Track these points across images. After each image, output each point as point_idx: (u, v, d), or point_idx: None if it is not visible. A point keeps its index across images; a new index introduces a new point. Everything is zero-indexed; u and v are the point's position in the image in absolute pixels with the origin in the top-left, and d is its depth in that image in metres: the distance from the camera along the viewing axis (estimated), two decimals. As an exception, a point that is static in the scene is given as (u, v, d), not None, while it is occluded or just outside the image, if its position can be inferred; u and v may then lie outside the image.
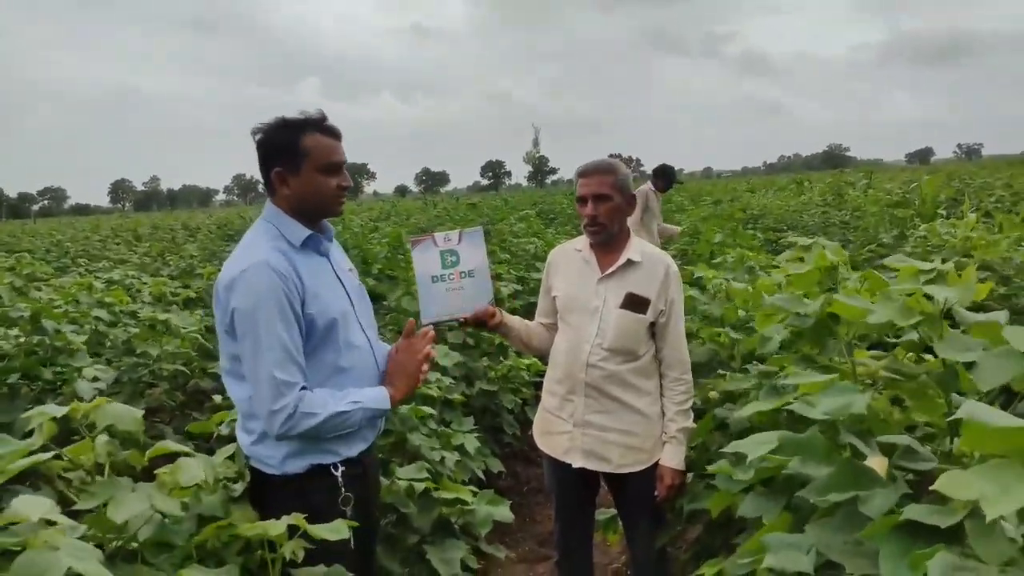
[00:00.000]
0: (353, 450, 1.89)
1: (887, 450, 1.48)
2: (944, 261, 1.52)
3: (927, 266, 1.43)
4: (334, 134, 1.88)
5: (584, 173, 2.39)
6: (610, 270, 2.37)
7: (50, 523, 1.31)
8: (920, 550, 1.02)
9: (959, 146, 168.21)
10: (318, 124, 1.85)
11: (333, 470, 1.84)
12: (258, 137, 1.86)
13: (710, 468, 1.84)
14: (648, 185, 6.75)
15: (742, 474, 1.69)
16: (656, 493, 2.36)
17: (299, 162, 1.82)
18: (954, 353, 1.33)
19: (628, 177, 2.40)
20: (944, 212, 8.09)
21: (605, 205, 2.33)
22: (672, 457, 2.35)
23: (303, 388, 1.75)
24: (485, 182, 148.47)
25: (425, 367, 1.99)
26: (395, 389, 1.92)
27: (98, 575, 1.17)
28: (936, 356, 1.44)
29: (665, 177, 6.89)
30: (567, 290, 2.45)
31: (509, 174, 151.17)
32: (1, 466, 1.43)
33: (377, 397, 1.87)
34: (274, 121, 1.85)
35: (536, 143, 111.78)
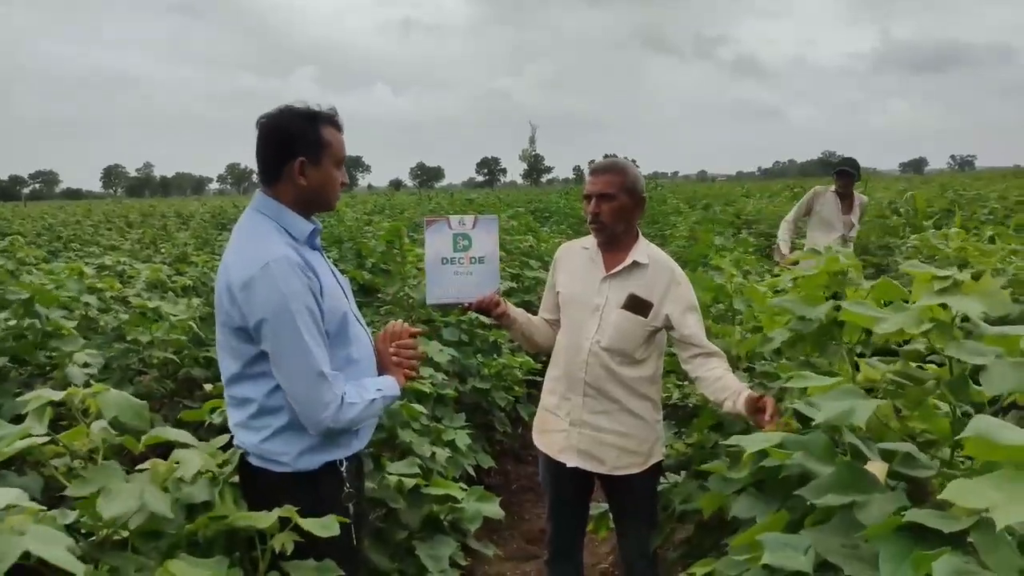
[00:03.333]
0: (362, 444, 1.93)
1: (887, 456, 1.49)
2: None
3: (943, 273, 1.42)
4: (342, 129, 1.89)
5: (593, 171, 2.40)
6: (615, 270, 2.37)
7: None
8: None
9: (952, 157, 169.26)
10: (331, 118, 1.86)
11: (339, 466, 1.84)
12: (273, 124, 1.82)
13: (704, 466, 1.84)
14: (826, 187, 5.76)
15: (735, 473, 1.70)
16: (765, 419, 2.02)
17: (320, 154, 1.82)
18: (966, 356, 1.33)
19: (638, 179, 2.40)
20: (932, 224, 8.12)
21: (609, 204, 2.33)
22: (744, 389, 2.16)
23: None
24: (480, 179, 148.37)
25: (413, 351, 2.01)
26: (396, 376, 1.95)
27: (60, 561, 1.15)
28: (943, 365, 1.44)
29: (839, 174, 5.66)
30: (570, 286, 2.45)
31: (504, 171, 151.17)
32: (-2, 448, 1.42)
33: (390, 384, 1.91)
34: (289, 110, 1.83)
35: (532, 141, 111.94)
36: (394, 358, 1.98)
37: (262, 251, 1.72)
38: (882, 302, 1.57)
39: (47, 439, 1.61)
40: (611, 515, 2.65)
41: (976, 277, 1.38)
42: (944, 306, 1.38)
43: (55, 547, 1.18)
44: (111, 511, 1.47)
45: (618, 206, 2.34)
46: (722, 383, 2.20)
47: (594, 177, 2.37)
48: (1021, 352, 1.31)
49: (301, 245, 1.82)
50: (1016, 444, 1.07)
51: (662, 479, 2.56)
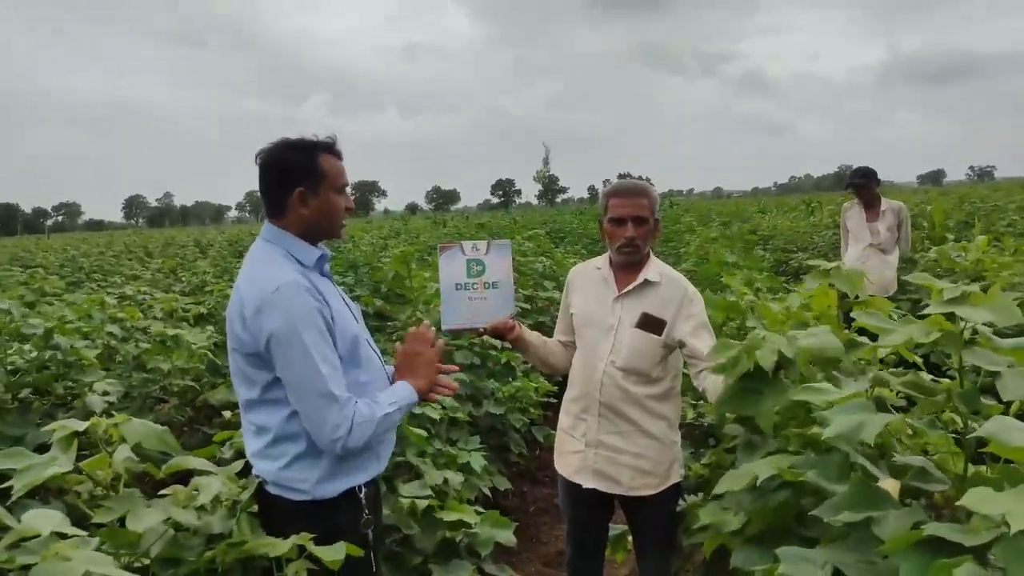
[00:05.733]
0: (382, 466, 1.94)
1: (900, 471, 1.48)
2: (955, 284, 1.52)
3: (951, 287, 1.43)
4: (341, 157, 1.92)
5: (623, 193, 2.37)
6: (627, 289, 2.38)
7: (62, 536, 1.33)
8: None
9: (971, 168, 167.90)
10: (330, 147, 1.89)
11: (358, 492, 1.85)
12: (270, 159, 1.86)
13: (701, 514, 1.82)
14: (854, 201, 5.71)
15: (735, 522, 1.69)
16: None
17: (318, 183, 1.85)
18: (982, 362, 1.34)
19: (658, 199, 2.42)
20: (953, 236, 8.05)
21: (643, 228, 2.35)
22: None
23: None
24: (495, 200, 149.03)
25: (437, 360, 2.00)
26: (414, 380, 1.95)
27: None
28: (954, 378, 1.44)
29: (850, 187, 5.68)
30: (584, 307, 2.46)
31: (519, 192, 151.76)
32: (26, 479, 1.45)
33: (404, 393, 1.91)
34: (285, 143, 1.87)
35: (546, 162, 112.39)
36: (424, 366, 1.97)
37: (272, 277, 1.76)
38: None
39: (71, 468, 1.65)
40: (631, 537, 2.64)
41: (986, 289, 1.39)
42: (952, 317, 1.39)
43: (108, 567, 1.21)
44: (141, 525, 1.52)
45: (649, 229, 2.37)
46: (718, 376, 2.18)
47: (626, 199, 2.35)
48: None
49: (310, 271, 1.86)
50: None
51: (681, 501, 2.55)
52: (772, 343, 1.72)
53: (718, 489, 1.68)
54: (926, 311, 1.41)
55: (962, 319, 1.38)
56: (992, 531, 1.06)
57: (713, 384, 2.21)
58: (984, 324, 1.37)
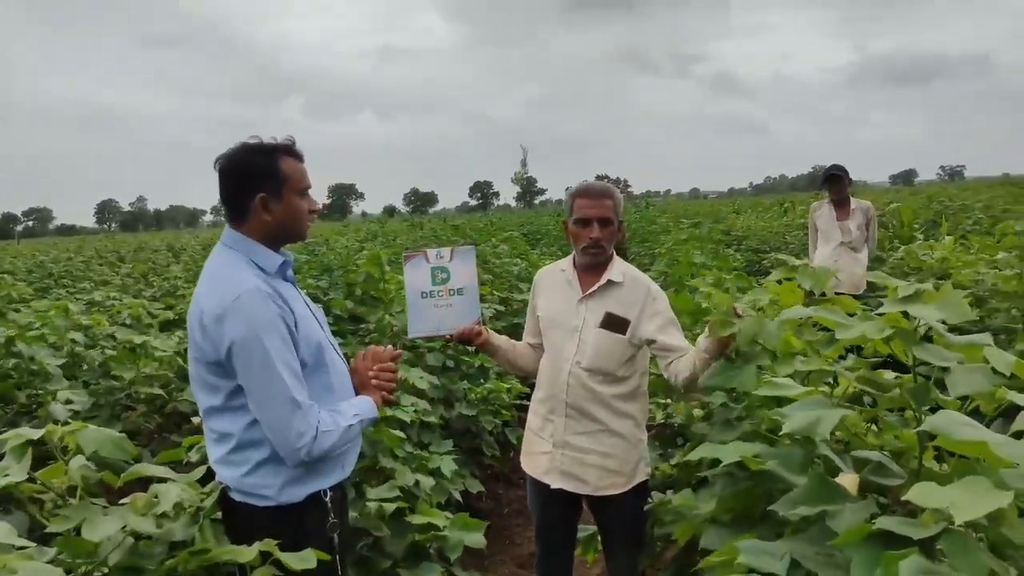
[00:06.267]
0: (346, 473, 1.92)
1: (860, 464, 1.51)
2: (921, 282, 1.55)
3: (905, 285, 1.46)
4: (302, 159, 1.89)
5: (589, 195, 2.37)
6: (591, 290, 2.39)
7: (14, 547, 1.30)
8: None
9: (942, 168, 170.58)
10: (289, 149, 1.86)
11: (323, 496, 1.83)
12: (231, 164, 1.83)
13: (673, 500, 1.85)
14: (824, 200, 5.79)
15: (704, 506, 1.71)
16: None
17: (280, 187, 1.83)
18: (932, 358, 1.36)
19: (622, 202, 2.43)
20: (921, 235, 8.19)
21: (608, 229, 2.36)
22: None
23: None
24: (474, 202, 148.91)
25: (393, 374, 2.01)
26: (374, 396, 1.95)
27: None
28: (909, 372, 1.47)
29: (828, 179, 5.69)
30: (549, 309, 2.48)
31: (497, 195, 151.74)
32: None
33: (367, 407, 1.91)
34: (245, 147, 1.84)
35: (524, 163, 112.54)
36: (373, 381, 1.98)
37: (233, 284, 1.73)
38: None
39: (26, 477, 1.62)
40: (599, 537, 2.65)
41: (938, 287, 1.41)
42: (906, 314, 1.41)
43: None
44: (97, 535, 1.49)
45: (614, 231, 2.38)
46: (688, 354, 2.22)
47: (592, 201, 2.35)
48: (984, 359, 1.35)
49: (272, 277, 1.83)
50: (973, 440, 1.10)
51: (648, 499, 2.56)
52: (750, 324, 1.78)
53: (693, 456, 1.72)
54: (880, 309, 1.44)
55: (915, 317, 1.40)
56: (940, 523, 1.08)
57: (686, 365, 2.21)
58: (938, 321, 1.40)
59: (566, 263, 2.50)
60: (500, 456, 4.31)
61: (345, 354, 2.06)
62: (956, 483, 1.08)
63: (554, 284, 2.50)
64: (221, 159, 1.84)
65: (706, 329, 2.07)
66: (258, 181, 1.81)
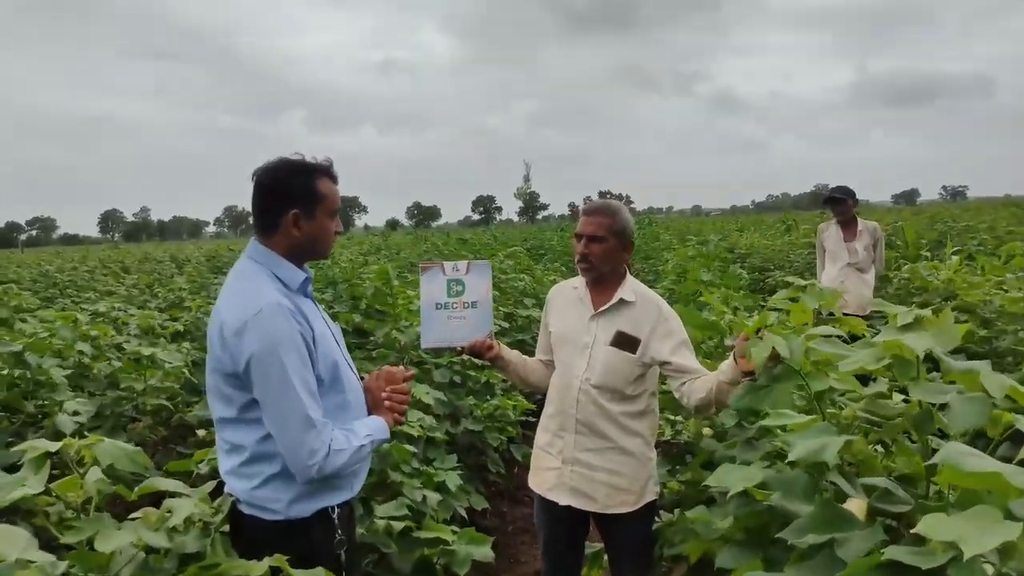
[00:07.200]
0: (355, 491, 1.93)
1: (869, 490, 1.51)
2: (926, 304, 1.56)
3: (905, 311, 1.47)
4: (337, 181, 1.93)
5: (586, 211, 2.45)
6: (603, 308, 2.41)
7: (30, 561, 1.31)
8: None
9: (944, 188, 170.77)
10: (328, 171, 1.91)
11: (331, 513, 1.84)
12: (269, 177, 1.86)
13: (688, 514, 1.85)
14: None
15: (720, 521, 1.71)
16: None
17: (315, 207, 1.86)
18: (926, 396, 1.37)
19: (629, 223, 2.44)
20: (928, 254, 8.20)
21: (598, 246, 2.38)
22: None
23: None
24: (476, 217, 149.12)
25: (405, 396, 2.03)
26: (386, 417, 1.96)
27: None
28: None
29: (829, 201, 5.71)
30: (561, 326, 2.50)
31: (500, 209, 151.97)
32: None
33: (379, 427, 1.92)
34: (286, 163, 1.87)
35: (527, 178, 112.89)
36: (386, 402, 1.99)
37: (255, 298, 1.75)
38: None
39: (42, 489, 1.63)
40: (606, 556, 2.64)
41: (936, 312, 1.42)
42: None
43: None
44: (109, 546, 1.49)
45: (607, 248, 2.39)
46: (704, 377, 2.26)
47: (586, 218, 2.42)
48: (981, 387, 1.35)
49: (293, 293, 1.85)
50: (982, 471, 1.11)
51: (656, 518, 2.56)
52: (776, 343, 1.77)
53: (711, 481, 1.71)
54: (877, 337, 1.45)
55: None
56: (948, 553, 1.08)
57: (701, 387, 2.24)
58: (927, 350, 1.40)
59: (578, 281, 2.54)
60: (505, 473, 4.31)
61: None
62: (964, 513, 1.08)
63: (566, 301, 2.53)
64: (260, 171, 1.87)
65: (730, 356, 2.08)
66: (295, 198, 1.84)
